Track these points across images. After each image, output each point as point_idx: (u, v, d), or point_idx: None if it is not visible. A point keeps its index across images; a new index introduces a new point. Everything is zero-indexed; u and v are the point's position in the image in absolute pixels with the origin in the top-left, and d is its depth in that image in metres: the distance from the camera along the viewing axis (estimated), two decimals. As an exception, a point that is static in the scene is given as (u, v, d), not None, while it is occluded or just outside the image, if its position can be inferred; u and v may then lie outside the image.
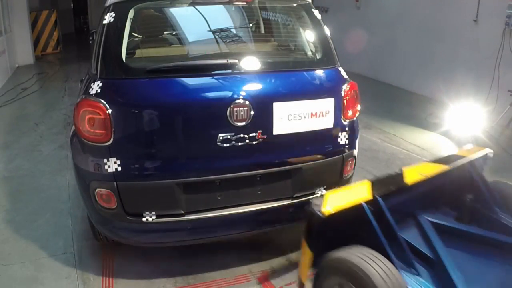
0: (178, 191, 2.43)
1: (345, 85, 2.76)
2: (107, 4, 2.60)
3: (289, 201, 2.62)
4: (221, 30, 2.95)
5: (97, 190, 2.40)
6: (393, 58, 8.12)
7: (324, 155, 2.72)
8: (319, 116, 2.61)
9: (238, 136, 2.43)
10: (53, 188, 3.96)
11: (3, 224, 3.38)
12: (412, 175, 2.49)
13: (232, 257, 2.98)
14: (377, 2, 8.52)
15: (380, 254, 2.04)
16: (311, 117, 2.58)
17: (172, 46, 2.99)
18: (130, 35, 2.53)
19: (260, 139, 2.48)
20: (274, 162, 2.58)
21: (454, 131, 5.51)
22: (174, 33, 3.03)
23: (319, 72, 2.76)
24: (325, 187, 2.73)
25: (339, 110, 2.69)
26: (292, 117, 2.53)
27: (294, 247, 3.08)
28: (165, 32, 3.06)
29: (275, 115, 2.48)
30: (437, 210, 2.74)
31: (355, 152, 2.91)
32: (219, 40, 2.90)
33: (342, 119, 2.74)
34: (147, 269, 2.86)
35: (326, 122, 2.65)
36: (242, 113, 2.39)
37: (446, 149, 5.18)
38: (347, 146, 2.79)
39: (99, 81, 2.36)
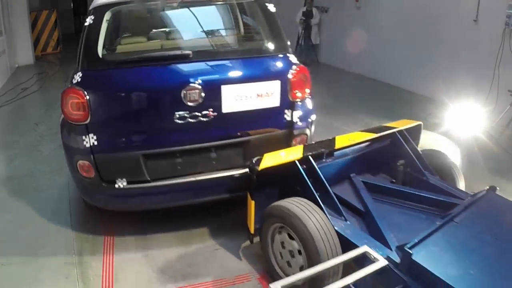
0: (143, 161, 2.89)
1: (293, 69, 3.10)
2: (90, 8, 3.06)
3: (241, 170, 2.95)
4: (183, 26, 3.48)
5: (78, 162, 2.87)
6: (393, 58, 8.12)
7: (270, 130, 3.13)
8: (265, 96, 3.01)
9: (192, 114, 2.87)
10: (53, 188, 3.96)
11: (3, 224, 3.38)
12: (343, 141, 2.98)
13: (232, 256, 2.98)
14: (377, 2, 8.51)
15: (313, 203, 2.50)
16: (257, 97, 2.99)
17: (141, 41, 3.45)
18: (106, 34, 3.00)
19: (211, 116, 2.91)
20: (225, 136, 3.01)
21: (454, 131, 5.51)
22: (143, 30, 3.52)
23: (267, 58, 3.17)
24: None
25: (285, 91, 3.07)
26: (239, 98, 2.94)
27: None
28: (136, 30, 3.58)
29: (223, 96, 2.91)
30: (374, 174, 3.23)
31: (308, 130, 3.24)
32: (180, 34, 3.49)
33: (289, 99, 3.10)
34: (147, 269, 2.87)
35: (272, 102, 3.05)
36: (194, 95, 2.84)
37: (446, 149, 5.18)
38: (295, 123, 3.15)
39: (80, 72, 2.85)
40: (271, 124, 3.13)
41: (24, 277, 2.78)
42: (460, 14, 6.54)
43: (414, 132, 3.36)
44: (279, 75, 3.06)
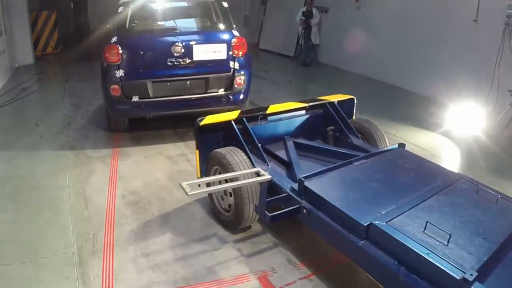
0: (149, 85, 4.86)
1: (234, 38, 5.11)
2: (120, 3, 5.09)
3: (203, 94, 5.03)
4: (175, 15, 5.55)
5: (111, 86, 4.77)
6: (393, 58, 8.13)
7: (221, 72, 5.07)
8: (217, 52, 5.01)
9: (177, 60, 4.87)
10: (53, 188, 3.96)
11: (3, 224, 3.38)
12: (275, 108, 3.71)
13: (232, 256, 2.99)
14: (377, 2, 8.52)
15: (243, 152, 3.17)
16: (213, 52, 5.00)
17: (150, 23, 5.52)
18: (130, 17, 5.01)
19: (187, 61, 4.90)
20: (195, 73, 4.99)
21: (455, 131, 5.51)
22: (153, 16, 5.51)
23: (220, 32, 5.25)
24: (223, 89, 5.08)
25: (229, 50, 5.07)
26: (203, 52, 4.95)
27: (294, 249, 3.09)
28: (149, 15, 5.47)
29: (194, 50, 4.90)
30: (310, 139, 3.83)
31: (244, 76, 5.13)
32: (173, 19, 5.46)
33: (232, 55, 5.09)
34: (147, 269, 2.87)
35: (222, 55, 5.04)
36: (178, 49, 4.85)
37: (446, 149, 5.20)
38: (236, 69, 5.11)
39: (115, 36, 4.83)
40: (222, 68, 5.06)
41: (24, 277, 2.77)
42: (460, 14, 6.54)
43: (348, 105, 4.14)
44: (226, 41, 5.08)
